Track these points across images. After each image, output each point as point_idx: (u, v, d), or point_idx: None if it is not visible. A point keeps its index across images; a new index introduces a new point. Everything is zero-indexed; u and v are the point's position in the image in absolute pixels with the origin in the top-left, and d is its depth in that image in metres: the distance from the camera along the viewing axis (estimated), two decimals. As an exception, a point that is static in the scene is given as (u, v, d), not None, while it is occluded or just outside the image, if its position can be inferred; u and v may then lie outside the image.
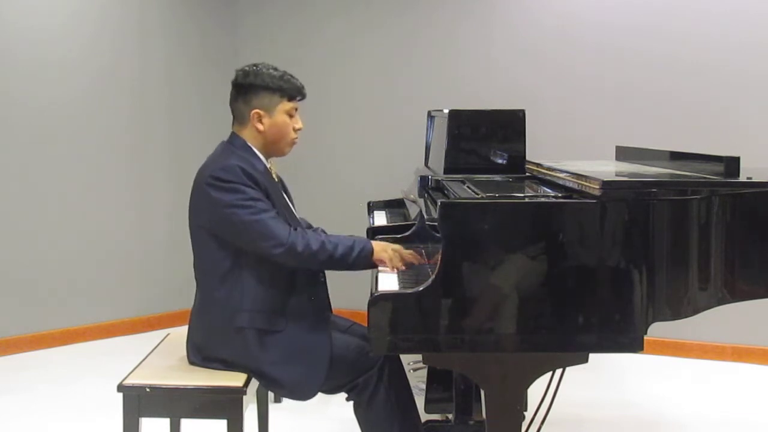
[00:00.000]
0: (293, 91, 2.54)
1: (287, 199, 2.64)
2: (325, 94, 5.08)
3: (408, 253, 2.54)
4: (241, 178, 2.40)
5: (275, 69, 2.55)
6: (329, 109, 5.11)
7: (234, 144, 2.53)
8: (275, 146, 2.57)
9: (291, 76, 2.56)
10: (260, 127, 2.52)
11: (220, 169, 2.42)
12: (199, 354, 2.51)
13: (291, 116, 2.55)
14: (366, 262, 2.47)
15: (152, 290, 5.03)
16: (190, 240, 2.54)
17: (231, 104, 2.58)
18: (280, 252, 2.37)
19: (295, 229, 2.43)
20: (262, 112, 2.51)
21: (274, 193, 2.50)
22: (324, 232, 2.77)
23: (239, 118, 2.56)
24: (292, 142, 2.59)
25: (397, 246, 2.57)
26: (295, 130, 2.58)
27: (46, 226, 4.63)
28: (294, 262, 2.41)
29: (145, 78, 4.97)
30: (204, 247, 2.49)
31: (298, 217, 2.65)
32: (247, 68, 2.55)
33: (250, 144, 2.53)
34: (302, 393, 2.48)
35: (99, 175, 4.81)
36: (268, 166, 2.57)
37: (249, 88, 2.51)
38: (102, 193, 4.83)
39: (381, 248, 2.50)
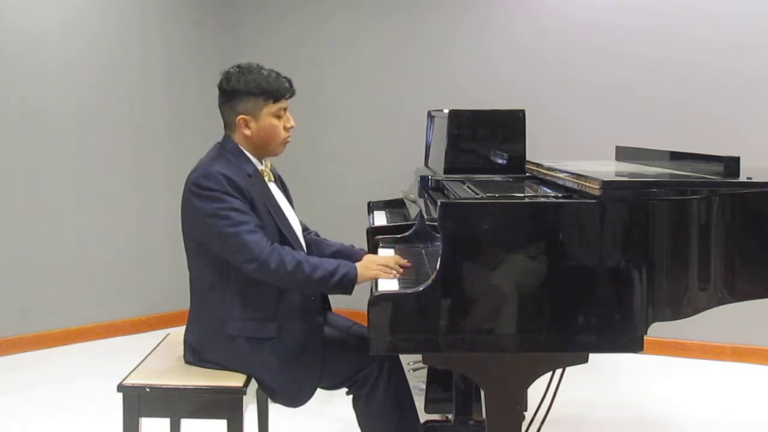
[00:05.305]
0: (278, 92, 2.44)
1: (286, 198, 2.60)
2: (325, 94, 5.09)
3: (396, 260, 2.46)
4: (223, 186, 2.33)
5: (260, 70, 2.44)
6: (329, 108, 5.11)
7: (225, 147, 2.47)
8: (266, 149, 2.49)
9: (277, 75, 2.45)
10: (247, 132, 2.45)
11: (202, 176, 2.36)
12: (195, 355, 2.50)
13: (279, 117, 2.46)
14: (348, 287, 2.36)
15: (152, 290, 5.02)
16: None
17: (219, 108, 2.51)
18: (252, 268, 2.31)
19: (272, 245, 2.34)
20: (247, 118, 2.43)
21: (262, 198, 2.43)
22: (317, 235, 2.76)
23: (227, 123, 2.49)
24: (285, 142, 2.51)
25: (382, 258, 2.50)
26: (287, 129, 2.49)
27: (47, 226, 4.63)
28: (267, 279, 2.34)
29: (145, 78, 4.96)
30: (193, 253, 2.46)
31: (297, 216, 2.62)
32: (230, 71, 2.46)
33: (241, 147, 2.47)
34: (294, 400, 2.49)
35: (99, 175, 4.80)
36: (261, 168, 2.51)
37: (232, 93, 2.43)
38: (102, 193, 4.82)
39: (366, 268, 2.39)
